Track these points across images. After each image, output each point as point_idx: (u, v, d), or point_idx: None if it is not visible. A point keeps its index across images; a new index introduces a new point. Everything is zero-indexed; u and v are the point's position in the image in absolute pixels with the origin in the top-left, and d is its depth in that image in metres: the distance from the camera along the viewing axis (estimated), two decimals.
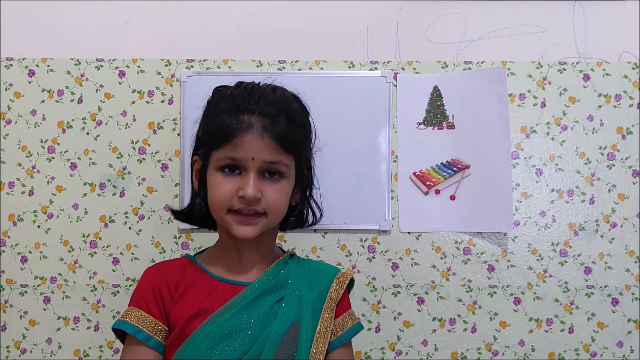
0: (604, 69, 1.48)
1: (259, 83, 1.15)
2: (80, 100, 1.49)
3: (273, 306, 1.11)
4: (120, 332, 1.13)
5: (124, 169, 1.48)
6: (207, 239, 1.46)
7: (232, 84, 1.16)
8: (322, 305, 1.15)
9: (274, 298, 1.12)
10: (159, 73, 1.49)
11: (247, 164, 1.08)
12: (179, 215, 1.22)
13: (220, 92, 1.17)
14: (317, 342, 1.11)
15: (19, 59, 1.50)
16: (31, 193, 1.48)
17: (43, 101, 1.49)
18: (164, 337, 1.12)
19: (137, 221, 1.48)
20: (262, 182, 1.09)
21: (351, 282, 1.22)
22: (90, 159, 1.49)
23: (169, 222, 1.47)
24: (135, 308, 1.13)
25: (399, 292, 1.46)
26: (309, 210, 1.22)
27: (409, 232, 1.47)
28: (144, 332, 1.11)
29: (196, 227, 1.24)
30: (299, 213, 1.21)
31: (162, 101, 1.49)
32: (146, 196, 1.48)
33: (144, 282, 1.15)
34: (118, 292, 1.47)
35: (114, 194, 1.48)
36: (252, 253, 1.16)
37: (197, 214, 1.18)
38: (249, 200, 1.08)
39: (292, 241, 1.46)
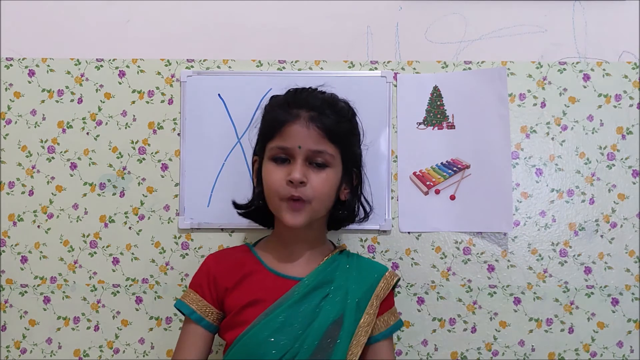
0: (604, 69, 1.48)
1: (310, 87, 1.28)
2: (80, 100, 1.49)
3: (320, 302, 1.21)
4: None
5: (124, 169, 1.48)
6: (207, 238, 1.47)
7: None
8: (367, 301, 1.23)
9: (321, 294, 1.22)
10: (159, 73, 1.49)
11: (295, 152, 1.19)
12: (240, 208, 1.33)
13: (275, 96, 1.30)
14: (358, 335, 1.21)
15: (19, 59, 1.50)
16: (31, 193, 1.48)
17: (43, 101, 1.49)
18: (215, 319, 1.25)
19: (137, 221, 1.48)
20: (308, 169, 1.20)
21: (397, 282, 1.30)
22: (90, 159, 1.49)
23: (169, 222, 1.47)
24: (192, 291, 1.27)
25: (399, 292, 1.46)
26: (359, 206, 1.32)
27: (409, 232, 1.47)
28: (197, 313, 1.25)
29: (257, 224, 1.35)
30: (349, 208, 1.29)
31: (162, 101, 1.49)
32: (146, 196, 1.48)
33: (202, 269, 1.28)
34: (118, 292, 1.47)
35: (114, 194, 1.48)
36: (303, 247, 1.26)
37: (256, 209, 1.30)
38: (295, 183, 1.18)
39: None
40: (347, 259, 1.29)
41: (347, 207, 1.29)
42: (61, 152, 1.49)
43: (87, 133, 1.49)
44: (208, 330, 1.25)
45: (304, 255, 1.27)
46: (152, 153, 1.49)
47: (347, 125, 1.26)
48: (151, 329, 1.46)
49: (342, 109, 1.26)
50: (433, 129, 1.48)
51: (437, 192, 1.47)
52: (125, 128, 1.49)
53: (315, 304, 1.20)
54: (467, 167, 1.46)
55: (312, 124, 1.19)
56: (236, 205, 1.33)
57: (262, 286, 1.23)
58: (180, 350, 1.26)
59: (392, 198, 1.47)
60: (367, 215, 1.34)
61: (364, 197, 1.34)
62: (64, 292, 1.47)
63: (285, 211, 1.20)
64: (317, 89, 1.28)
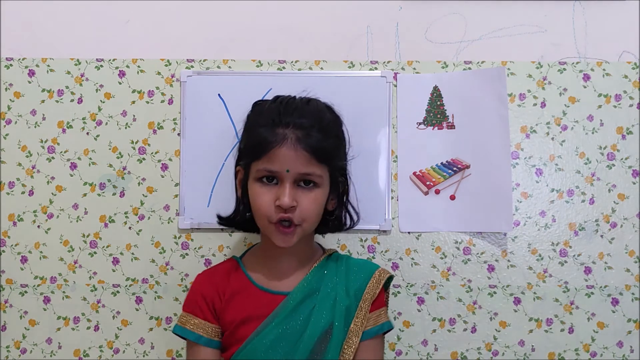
0: (604, 69, 1.48)
1: (295, 97, 1.24)
2: (80, 100, 1.49)
3: (309, 314, 1.21)
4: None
5: (124, 169, 1.48)
6: (207, 238, 1.46)
7: (270, 99, 1.26)
8: (357, 305, 1.22)
9: (310, 305, 1.21)
10: (159, 73, 1.49)
11: (283, 175, 1.16)
12: (223, 221, 1.31)
13: (258, 107, 1.26)
14: (349, 339, 1.20)
15: (19, 59, 1.50)
16: (31, 193, 1.48)
17: (43, 101, 1.49)
18: (221, 336, 1.25)
19: (137, 221, 1.48)
20: (297, 191, 1.18)
21: (389, 280, 1.28)
22: (90, 159, 1.49)
23: (169, 222, 1.47)
24: (191, 315, 1.25)
25: (399, 292, 1.46)
26: (346, 214, 1.30)
27: (409, 232, 1.47)
28: (204, 337, 1.24)
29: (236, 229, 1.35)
30: (337, 217, 1.28)
31: (162, 101, 1.49)
32: (146, 196, 1.48)
33: (195, 290, 1.28)
34: (118, 292, 1.47)
35: (114, 194, 1.48)
36: (291, 259, 1.25)
37: (240, 220, 1.28)
38: (284, 208, 1.16)
39: None
40: (335, 264, 1.27)
41: (335, 217, 1.28)
42: (61, 152, 1.49)
43: (87, 133, 1.49)
44: (218, 349, 1.26)
45: (292, 268, 1.26)
46: (152, 153, 1.49)
47: (334, 141, 1.23)
48: (151, 329, 1.46)
49: (328, 123, 1.22)
50: (433, 129, 1.48)
51: (437, 192, 1.47)
52: (125, 128, 1.49)
53: (305, 316, 1.20)
54: (467, 167, 1.46)
55: (299, 146, 1.15)
56: (220, 218, 1.31)
57: (252, 304, 1.23)
58: None
59: (392, 198, 1.47)
60: (353, 224, 1.31)
61: (351, 205, 1.31)
62: (64, 292, 1.47)
63: (276, 234, 1.19)
64: (302, 99, 1.23)
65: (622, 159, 1.47)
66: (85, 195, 1.48)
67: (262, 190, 1.18)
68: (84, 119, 1.49)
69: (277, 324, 1.20)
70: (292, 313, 1.20)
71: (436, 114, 1.48)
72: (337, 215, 1.28)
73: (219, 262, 1.45)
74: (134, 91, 1.49)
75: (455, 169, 1.46)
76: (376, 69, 1.49)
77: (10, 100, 1.49)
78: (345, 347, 1.20)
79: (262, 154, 1.17)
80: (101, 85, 1.49)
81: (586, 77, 1.48)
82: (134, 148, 1.49)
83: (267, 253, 1.26)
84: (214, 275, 1.29)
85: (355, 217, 1.31)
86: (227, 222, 1.31)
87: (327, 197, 1.23)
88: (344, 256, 1.31)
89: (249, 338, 1.20)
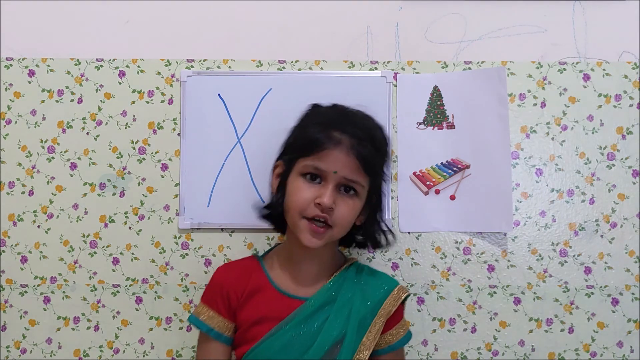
0: (604, 69, 1.48)
1: (351, 108, 1.27)
2: (80, 100, 1.49)
3: (323, 322, 1.21)
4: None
5: (124, 169, 1.48)
6: (207, 238, 1.46)
7: (328, 104, 1.29)
8: (372, 318, 1.23)
9: (325, 314, 1.22)
10: (159, 73, 1.49)
11: (329, 176, 1.18)
12: (259, 211, 1.30)
13: (316, 109, 1.29)
14: (360, 352, 1.21)
15: (19, 59, 1.50)
16: (31, 193, 1.48)
17: (43, 101, 1.49)
18: (232, 332, 1.27)
19: (137, 221, 1.48)
20: (338, 195, 1.19)
21: (406, 297, 1.29)
22: (90, 159, 1.49)
23: (169, 222, 1.47)
24: (207, 307, 1.27)
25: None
26: (380, 232, 1.29)
27: (409, 232, 1.47)
28: (214, 330, 1.26)
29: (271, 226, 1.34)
30: (370, 235, 1.28)
31: (162, 101, 1.49)
32: (146, 196, 1.48)
33: (214, 283, 1.29)
34: (118, 292, 1.47)
35: (114, 194, 1.48)
36: (313, 264, 1.26)
37: (273, 214, 1.28)
38: (323, 208, 1.17)
39: None
40: (355, 274, 1.28)
41: (365, 232, 1.28)
42: (61, 152, 1.49)
43: (87, 133, 1.49)
44: (227, 344, 1.27)
45: (313, 273, 1.26)
46: (152, 153, 1.49)
47: (381, 159, 1.26)
48: (151, 329, 1.46)
49: (380, 139, 1.25)
50: (433, 129, 1.48)
51: (437, 192, 1.47)
52: (125, 128, 1.49)
53: (319, 324, 1.21)
54: (467, 167, 1.46)
55: (351, 153, 1.18)
56: (257, 209, 1.32)
57: (269, 305, 1.24)
58: None
59: (392, 198, 1.47)
60: (389, 243, 1.31)
61: (386, 225, 1.32)
62: (64, 292, 1.47)
63: (305, 231, 1.19)
64: (360, 112, 1.27)
65: (622, 159, 1.47)
66: (85, 195, 1.48)
67: (305, 185, 1.20)
68: (84, 119, 1.49)
69: (291, 328, 1.20)
70: (307, 319, 1.21)
71: (436, 114, 1.48)
72: (368, 231, 1.28)
73: (219, 262, 1.46)
74: (134, 91, 1.49)
75: (455, 169, 1.46)
76: (376, 69, 1.49)
77: (10, 100, 1.49)
78: (356, 359, 1.20)
79: (314, 151, 1.19)
80: (101, 85, 1.49)
81: (586, 77, 1.48)
82: (134, 148, 1.49)
83: (290, 255, 1.27)
84: (235, 270, 1.30)
85: (390, 237, 1.31)
86: (263, 213, 1.31)
87: (361, 210, 1.24)
88: (364, 266, 1.32)
89: (262, 338, 1.21)
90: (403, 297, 1.27)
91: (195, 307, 1.32)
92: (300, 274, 1.26)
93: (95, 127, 1.49)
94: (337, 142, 1.18)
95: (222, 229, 1.46)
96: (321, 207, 1.17)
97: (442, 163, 1.47)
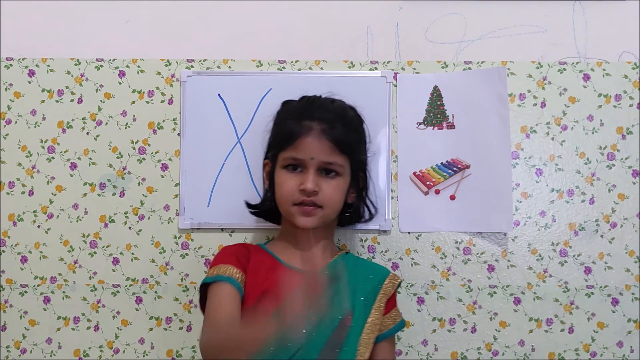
0: (604, 69, 1.48)
1: (320, 95, 1.33)
2: (80, 100, 1.49)
3: (333, 296, 1.21)
4: (203, 293, 1.28)
5: (124, 169, 1.48)
6: (207, 238, 1.47)
7: (297, 99, 1.34)
8: (374, 298, 1.28)
9: (333, 289, 1.22)
10: (159, 73, 1.49)
11: (307, 163, 1.25)
12: (252, 207, 1.38)
13: (286, 104, 1.36)
14: (367, 332, 1.25)
15: (19, 59, 1.50)
16: (31, 193, 1.48)
17: (43, 101, 1.49)
18: (243, 284, 1.25)
19: (137, 221, 1.48)
20: (320, 178, 1.26)
21: (399, 283, 1.35)
22: (90, 159, 1.49)
23: (169, 222, 1.47)
24: (221, 265, 1.26)
25: (399, 292, 1.45)
26: (365, 207, 1.37)
27: (409, 232, 1.47)
28: (224, 275, 1.24)
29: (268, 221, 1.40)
30: (355, 210, 1.36)
31: (162, 101, 1.49)
32: (146, 196, 1.48)
33: (225, 250, 1.31)
34: (118, 292, 1.47)
35: (114, 194, 1.48)
36: (311, 246, 1.29)
37: (267, 208, 1.35)
38: (308, 192, 1.24)
39: None
40: (353, 260, 1.34)
41: (354, 209, 1.36)
42: (61, 152, 1.49)
43: (87, 133, 1.49)
44: (238, 290, 1.24)
45: (314, 254, 1.29)
46: (152, 153, 1.49)
47: (355, 136, 1.32)
48: (151, 329, 1.46)
49: (351, 119, 1.31)
50: (433, 129, 1.48)
51: (437, 192, 1.47)
52: (125, 128, 1.49)
53: (328, 297, 1.22)
54: (467, 167, 1.46)
55: (323, 137, 1.24)
56: (249, 205, 1.38)
57: (276, 278, 1.23)
58: (220, 307, 1.22)
59: (392, 198, 1.47)
60: (371, 217, 1.39)
61: (369, 200, 1.39)
62: (64, 292, 1.47)
63: (298, 215, 1.26)
64: (327, 98, 1.33)
65: (622, 159, 1.47)
66: (85, 195, 1.48)
67: (288, 176, 1.26)
68: (84, 119, 1.49)
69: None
70: None
71: (436, 114, 1.48)
72: (355, 207, 1.35)
73: None
74: (134, 91, 1.49)
75: (455, 169, 1.46)
76: (376, 69, 1.49)
77: (10, 100, 1.49)
78: (364, 337, 1.24)
79: (289, 143, 1.26)
80: (101, 85, 1.49)
81: (586, 77, 1.48)
82: (134, 148, 1.49)
83: (290, 238, 1.31)
84: (240, 245, 1.36)
85: (373, 210, 1.39)
86: (254, 209, 1.37)
87: (348, 189, 1.31)
88: (358, 257, 1.39)
89: (273, 313, 1.19)
90: (398, 282, 1.33)
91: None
92: (304, 253, 1.28)
93: (95, 127, 1.49)
94: (309, 129, 1.25)
95: (222, 229, 1.46)
96: (305, 192, 1.24)
97: (442, 163, 1.47)
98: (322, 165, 1.26)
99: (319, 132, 1.25)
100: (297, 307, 1.13)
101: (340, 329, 1.23)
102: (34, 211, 1.48)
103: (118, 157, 1.48)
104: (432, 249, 1.47)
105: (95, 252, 1.47)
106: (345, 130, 1.27)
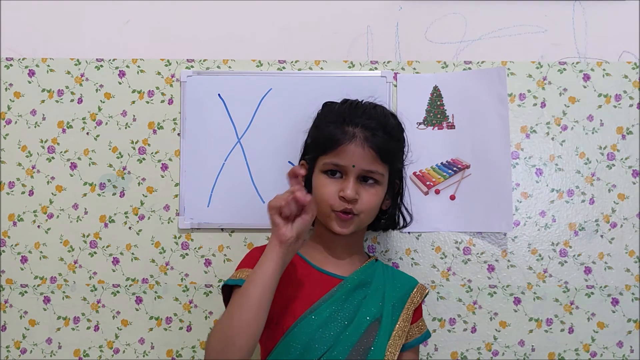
0: (604, 69, 1.48)
1: (362, 100, 1.32)
2: (80, 100, 1.49)
3: (361, 301, 1.25)
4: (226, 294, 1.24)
5: (124, 169, 1.48)
6: (207, 238, 1.46)
7: (339, 101, 1.33)
8: (402, 306, 1.28)
9: (362, 294, 1.26)
10: (159, 73, 1.49)
11: (348, 170, 1.24)
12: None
13: (328, 107, 1.34)
14: (395, 338, 1.24)
15: (19, 59, 1.50)
16: (31, 193, 1.48)
17: (43, 101, 1.49)
18: None
19: (137, 221, 1.48)
20: (359, 186, 1.25)
21: (426, 294, 1.35)
22: (90, 159, 1.49)
23: (169, 222, 1.47)
24: (247, 269, 1.22)
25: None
26: (400, 215, 1.38)
27: (409, 232, 1.47)
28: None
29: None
30: (390, 217, 1.36)
31: (162, 101, 1.49)
32: (146, 196, 1.48)
33: (253, 252, 1.28)
34: (118, 292, 1.47)
35: (114, 194, 1.48)
36: (343, 250, 1.31)
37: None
38: (348, 200, 1.23)
39: None
40: (382, 267, 1.33)
41: (389, 216, 1.36)
42: (61, 152, 1.49)
43: (87, 133, 1.49)
44: None
45: (345, 258, 1.30)
46: (152, 153, 1.49)
47: (396, 144, 1.31)
48: (151, 329, 1.46)
49: (393, 127, 1.30)
50: (433, 129, 1.48)
51: (437, 192, 1.47)
52: (125, 128, 1.49)
53: (357, 302, 1.25)
54: (467, 167, 1.46)
55: (366, 145, 1.24)
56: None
57: (307, 280, 1.26)
58: None
59: None
60: (406, 224, 1.39)
61: (404, 207, 1.38)
62: (64, 292, 1.47)
63: (335, 221, 1.25)
64: (370, 103, 1.31)
65: (622, 159, 1.47)
66: (85, 195, 1.48)
67: (327, 181, 1.26)
68: (84, 119, 1.49)
69: (332, 304, 1.23)
70: (347, 296, 1.24)
71: (436, 114, 1.48)
72: (390, 214, 1.36)
73: (219, 262, 1.46)
74: (134, 91, 1.49)
75: (455, 169, 1.46)
76: (376, 69, 1.49)
77: (10, 100, 1.49)
78: (391, 343, 1.23)
79: (331, 149, 1.25)
80: (101, 85, 1.49)
81: (586, 77, 1.48)
82: (134, 148, 1.49)
83: (321, 242, 1.31)
84: None
85: (408, 218, 1.38)
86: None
87: (384, 196, 1.30)
88: (386, 265, 1.37)
89: (304, 314, 1.22)
90: (425, 293, 1.33)
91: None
92: (334, 258, 1.30)
93: (95, 127, 1.49)
94: (352, 136, 1.24)
95: (222, 229, 1.46)
96: (345, 199, 1.23)
97: (442, 163, 1.47)
98: (362, 173, 1.25)
99: (362, 140, 1.24)
100: None
101: (368, 334, 1.22)
102: (34, 211, 1.48)
103: (118, 157, 1.48)
104: (432, 249, 1.47)
105: (95, 252, 1.47)
106: (387, 138, 1.26)
